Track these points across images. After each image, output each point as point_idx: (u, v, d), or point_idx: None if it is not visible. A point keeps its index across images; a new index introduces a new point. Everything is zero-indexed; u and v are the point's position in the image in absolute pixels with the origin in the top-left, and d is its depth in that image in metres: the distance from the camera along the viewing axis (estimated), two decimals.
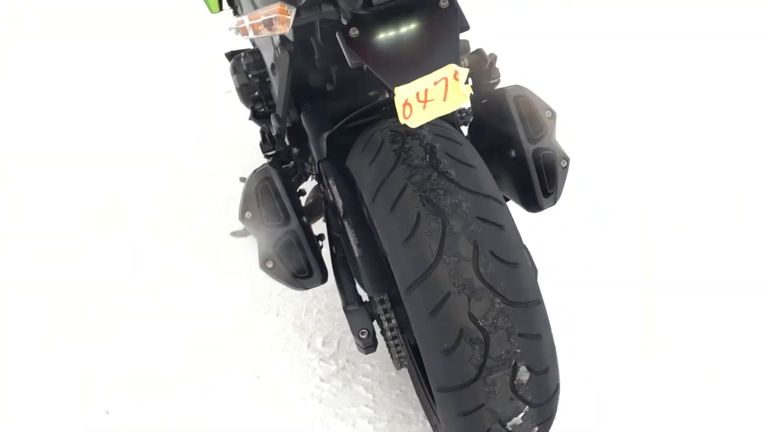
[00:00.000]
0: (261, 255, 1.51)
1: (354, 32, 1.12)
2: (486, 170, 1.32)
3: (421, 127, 1.35)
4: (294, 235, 1.47)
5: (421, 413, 1.71)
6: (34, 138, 2.95)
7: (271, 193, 1.49)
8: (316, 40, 1.50)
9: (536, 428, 1.28)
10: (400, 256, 1.25)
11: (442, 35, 1.11)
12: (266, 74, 2.10)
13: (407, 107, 1.05)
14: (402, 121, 1.07)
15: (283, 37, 1.49)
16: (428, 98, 1.05)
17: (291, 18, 1.13)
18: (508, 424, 1.25)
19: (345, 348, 1.91)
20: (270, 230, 1.49)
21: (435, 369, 1.25)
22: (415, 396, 1.75)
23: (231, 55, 2.28)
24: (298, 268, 1.48)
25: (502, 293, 1.20)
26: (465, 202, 1.23)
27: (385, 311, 1.44)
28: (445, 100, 1.06)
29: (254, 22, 1.15)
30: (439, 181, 1.25)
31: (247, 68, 2.13)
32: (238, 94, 2.22)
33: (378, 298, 1.44)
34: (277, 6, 1.14)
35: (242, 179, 2.20)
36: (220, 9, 2.33)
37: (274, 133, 1.69)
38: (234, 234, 2.31)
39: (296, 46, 1.48)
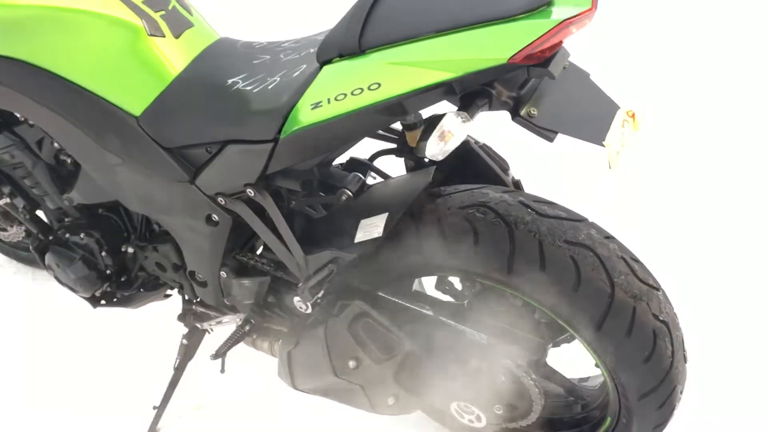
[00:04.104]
0: (375, 398, 1.35)
1: (534, 111, 1.12)
2: None
3: (484, 194, 1.39)
4: (415, 353, 1.36)
5: None
6: None
7: (377, 327, 1.34)
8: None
9: None
10: (575, 304, 1.29)
11: (589, 89, 1.20)
12: (122, 243, 1.79)
13: (618, 155, 1.12)
14: (613, 168, 1.13)
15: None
16: (624, 141, 1.14)
17: (471, 122, 1.08)
18: (683, 391, 1.42)
19: None
20: (386, 365, 1.34)
21: (636, 380, 1.34)
22: None
23: (43, 248, 1.81)
24: (429, 386, 1.38)
25: (656, 286, 1.35)
26: (588, 230, 1.34)
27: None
28: (630, 138, 1.16)
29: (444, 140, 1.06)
30: (560, 224, 1.32)
31: (99, 246, 1.76)
32: (80, 283, 1.81)
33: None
34: (453, 115, 1.07)
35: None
36: None
37: None
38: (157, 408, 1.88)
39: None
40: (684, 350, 1.39)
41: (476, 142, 1.61)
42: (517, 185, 1.64)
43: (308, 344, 1.41)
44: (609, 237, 1.35)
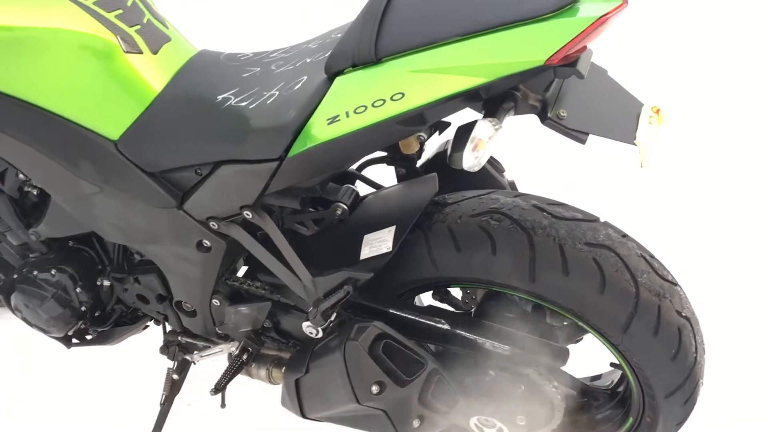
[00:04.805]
0: (400, 422, 1.29)
1: (563, 113, 1.07)
2: None
3: (495, 200, 1.35)
4: (437, 370, 1.30)
5: None
6: None
7: (398, 346, 1.27)
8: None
9: None
10: (601, 307, 1.26)
11: (610, 86, 1.16)
12: (97, 276, 1.66)
13: (648, 152, 1.08)
14: (645, 166, 1.10)
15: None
16: (652, 138, 1.10)
17: (502, 127, 1.02)
18: (703, 384, 1.41)
19: None
20: (411, 387, 1.28)
21: (663, 378, 1.32)
22: None
23: (8, 288, 1.67)
24: (453, 402, 1.32)
25: (675, 282, 1.33)
26: (606, 230, 1.31)
27: None
28: (656, 134, 1.13)
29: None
30: (578, 225, 1.29)
31: (72, 282, 1.63)
32: (53, 323, 1.67)
33: None
34: (485, 122, 1.01)
35: None
36: None
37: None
38: None
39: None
40: (703, 343, 1.38)
41: None
42: (512, 186, 1.60)
43: (322, 371, 1.33)
44: (625, 235, 1.32)
